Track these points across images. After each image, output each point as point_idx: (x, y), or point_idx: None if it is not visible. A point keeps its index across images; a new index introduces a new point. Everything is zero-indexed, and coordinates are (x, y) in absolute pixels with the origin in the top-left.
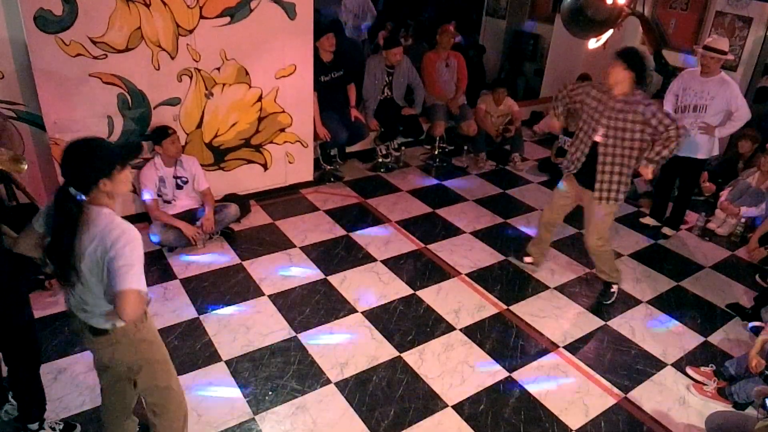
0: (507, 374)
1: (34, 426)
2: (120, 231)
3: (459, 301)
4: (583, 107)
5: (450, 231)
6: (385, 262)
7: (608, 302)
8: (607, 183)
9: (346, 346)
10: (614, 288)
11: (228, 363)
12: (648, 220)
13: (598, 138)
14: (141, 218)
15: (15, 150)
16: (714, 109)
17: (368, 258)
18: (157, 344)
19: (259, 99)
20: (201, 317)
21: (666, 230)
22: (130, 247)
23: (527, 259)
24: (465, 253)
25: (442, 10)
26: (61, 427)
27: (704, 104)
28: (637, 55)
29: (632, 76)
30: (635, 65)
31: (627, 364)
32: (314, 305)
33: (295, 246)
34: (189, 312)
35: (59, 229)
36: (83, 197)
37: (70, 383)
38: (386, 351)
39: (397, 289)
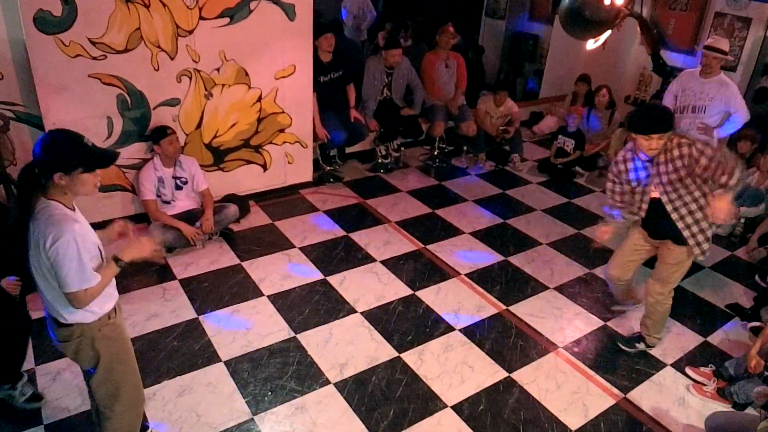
0: (506, 375)
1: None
2: (53, 236)
3: (458, 302)
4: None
5: (449, 231)
6: (384, 262)
7: (626, 349)
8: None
9: (345, 346)
10: (641, 346)
11: (227, 363)
12: None
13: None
14: (140, 219)
15: (5, 158)
16: (713, 110)
17: (368, 258)
18: (121, 342)
19: (259, 99)
20: (200, 318)
21: None
22: (62, 255)
23: (617, 308)
24: (464, 253)
25: (442, 11)
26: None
27: (703, 105)
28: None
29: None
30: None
31: (626, 365)
32: (313, 306)
33: (294, 246)
34: (188, 312)
35: (19, 207)
36: (42, 182)
37: (69, 384)
38: (386, 351)
39: (396, 289)
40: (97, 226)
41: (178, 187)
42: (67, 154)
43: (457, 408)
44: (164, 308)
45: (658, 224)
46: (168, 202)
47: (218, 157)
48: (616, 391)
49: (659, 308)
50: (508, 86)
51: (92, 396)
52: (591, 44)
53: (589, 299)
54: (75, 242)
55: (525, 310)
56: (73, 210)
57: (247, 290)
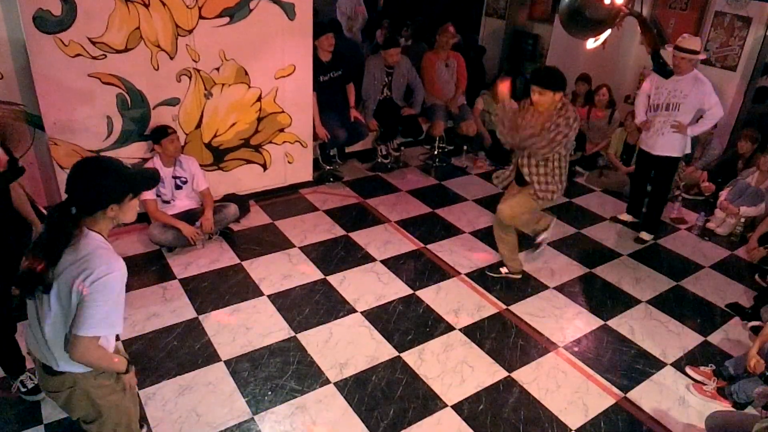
0: (506, 374)
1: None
2: (103, 264)
3: (458, 301)
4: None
5: (449, 231)
6: (384, 262)
7: (492, 275)
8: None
9: (345, 346)
10: (504, 270)
11: (227, 363)
12: (625, 217)
13: None
14: (140, 218)
15: (22, 149)
16: (687, 108)
17: (368, 258)
18: (120, 389)
19: (259, 99)
20: (200, 317)
21: (643, 235)
22: (102, 292)
23: (504, 270)
24: (464, 253)
25: (442, 11)
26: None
27: (677, 102)
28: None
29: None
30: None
31: (626, 364)
32: (313, 305)
33: (294, 246)
34: (188, 312)
35: (50, 248)
36: (83, 217)
37: None
38: (386, 351)
39: (396, 289)
40: None
41: (178, 187)
42: (117, 182)
43: (457, 407)
44: (164, 308)
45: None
46: (168, 202)
47: (218, 156)
48: (616, 390)
49: (508, 237)
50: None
51: None
52: (591, 43)
53: (589, 299)
54: (121, 281)
55: (525, 309)
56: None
57: (247, 290)
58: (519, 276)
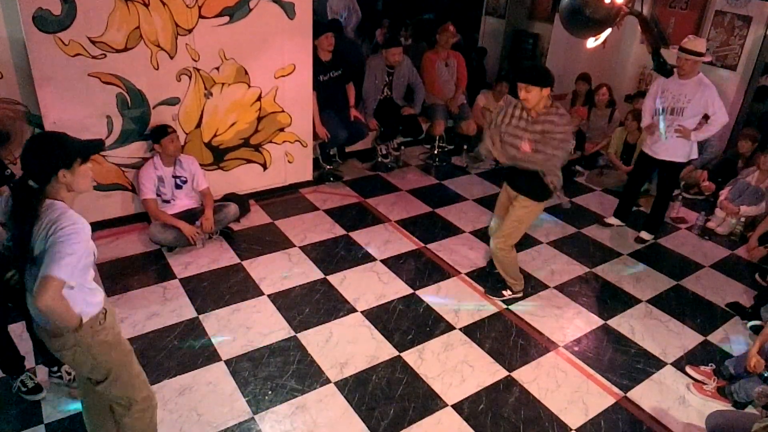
0: (507, 374)
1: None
2: (70, 222)
3: (459, 301)
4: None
5: (450, 230)
6: (384, 261)
7: (495, 298)
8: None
9: (345, 345)
10: (508, 293)
11: (227, 363)
12: (612, 220)
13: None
14: (140, 218)
15: (21, 148)
16: (691, 112)
17: (368, 257)
18: (119, 346)
19: (259, 98)
20: (200, 317)
21: (643, 235)
22: (73, 238)
23: (506, 293)
24: (465, 252)
25: (442, 10)
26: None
27: (681, 107)
28: (541, 70)
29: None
30: (547, 81)
31: (627, 364)
32: (314, 305)
33: (294, 246)
34: (188, 312)
35: (18, 222)
36: (42, 189)
37: (68, 386)
38: (386, 350)
39: (396, 288)
40: (97, 225)
41: (178, 186)
42: (62, 149)
43: (458, 407)
44: (164, 307)
45: (517, 174)
46: (168, 201)
47: (218, 156)
48: (616, 390)
49: (507, 260)
50: (509, 85)
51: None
52: (591, 43)
53: (590, 298)
54: (85, 236)
55: (525, 309)
56: None
57: (248, 289)
58: (521, 293)
